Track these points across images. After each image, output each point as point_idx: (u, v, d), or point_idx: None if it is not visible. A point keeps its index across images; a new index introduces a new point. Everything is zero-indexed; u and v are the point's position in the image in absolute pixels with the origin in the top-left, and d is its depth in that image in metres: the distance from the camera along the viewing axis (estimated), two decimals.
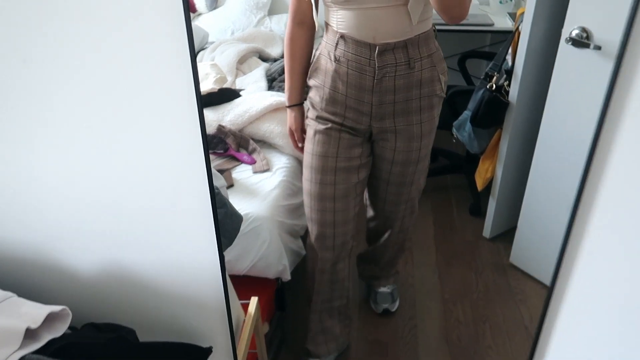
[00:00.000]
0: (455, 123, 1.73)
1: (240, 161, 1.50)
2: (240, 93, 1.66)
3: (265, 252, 1.29)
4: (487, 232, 1.83)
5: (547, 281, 1.56)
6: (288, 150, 1.52)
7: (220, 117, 1.54)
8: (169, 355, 0.66)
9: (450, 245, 1.85)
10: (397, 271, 1.58)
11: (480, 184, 1.74)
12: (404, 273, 1.70)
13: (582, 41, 1.27)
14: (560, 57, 1.37)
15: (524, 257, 1.67)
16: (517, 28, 1.56)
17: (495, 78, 1.62)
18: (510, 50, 1.62)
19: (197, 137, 0.63)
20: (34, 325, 0.57)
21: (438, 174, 2.13)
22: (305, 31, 1.09)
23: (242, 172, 1.44)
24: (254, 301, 1.12)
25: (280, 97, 1.55)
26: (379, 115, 1.06)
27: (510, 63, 1.62)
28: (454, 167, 2.10)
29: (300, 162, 1.41)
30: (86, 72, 0.64)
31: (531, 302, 1.57)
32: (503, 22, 2.06)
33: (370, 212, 1.39)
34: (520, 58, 1.52)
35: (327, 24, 1.05)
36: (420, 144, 1.11)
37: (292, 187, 1.45)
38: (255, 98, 1.59)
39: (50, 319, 0.60)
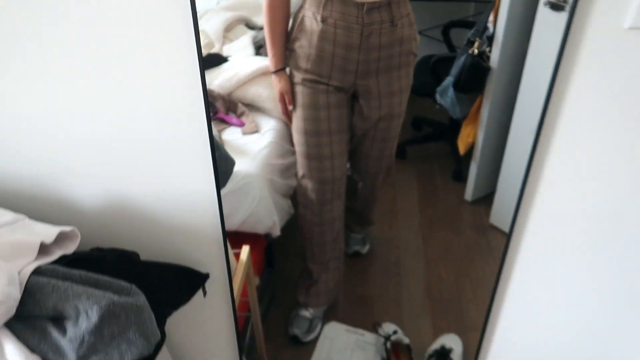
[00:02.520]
0: (438, 89, 1.81)
1: (229, 123, 1.56)
2: (228, 59, 1.71)
3: (256, 208, 1.36)
4: (468, 195, 1.92)
5: None
6: (276, 114, 1.57)
7: (209, 81, 1.59)
8: (169, 275, 0.73)
9: (434, 209, 1.94)
10: (371, 221, 1.68)
11: (462, 149, 1.83)
12: (389, 236, 1.79)
13: (558, 3, 1.35)
14: (539, 21, 1.45)
15: (503, 218, 1.76)
16: None
17: (477, 44, 1.69)
18: (491, 17, 1.69)
19: (196, 74, 0.69)
20: (48, 240, 0.64)
21: (422, 142, 2.21)
22: None
23: (231, 134, 1.50)
24: (245, 249, 1.20)
25: (267, 62, 1.61)
26: (364, 72, 1.14)
27: (492, 29, 1.69)
28: (437, 135, 2.18)
29: (287, 125, 1.48)
30: (92, 23, 0.69)
31: None
32: None
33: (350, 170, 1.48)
34: (500, 23, 1.60)
35: None
36: (400, 98, 1.23)
37: (281, 148, 1.52)
38: (243, 62, 1.64)
39: (61, 238, 0.67)
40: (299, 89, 1.20)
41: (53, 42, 0.71)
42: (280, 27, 1.18)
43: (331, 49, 1.11)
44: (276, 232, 1.42)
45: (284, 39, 1.19)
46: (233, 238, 1.19)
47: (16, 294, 0.57)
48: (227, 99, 1.56)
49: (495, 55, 1.65)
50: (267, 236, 1.44)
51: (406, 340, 1.40)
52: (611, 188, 0.79)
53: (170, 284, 0.72)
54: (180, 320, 0.97)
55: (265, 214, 1.38)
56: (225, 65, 1.61)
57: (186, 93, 0.71)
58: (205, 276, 0.79)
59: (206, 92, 0.72)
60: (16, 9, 0.69)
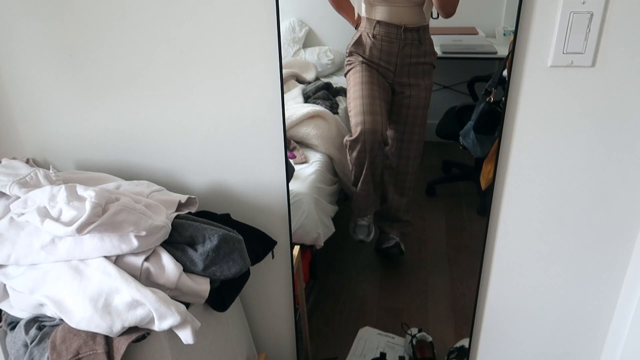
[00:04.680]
0: (461, 132, 2.22)
1: None
2: None
3: (304, 221, 1.76)
4: None
5: None
6: (321, 149, 2.03)
7: None
8: (251, 233, 1.13)
9: (460, 239, 2.28)
10: (407, 222, 2.04)
11: (483, 185, 2.20)
12: (418, 259, 2.14)
13: None
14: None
15: None
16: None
17: (493, 93, 2.11)
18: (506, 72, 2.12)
19: (278, 105, 1.14)
20: (182, 200, 1.06)
21: (451, 181, 2.59)
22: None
23: None
24: (297, 247, 1.60)
25: (315, 107, 2.08)
26: (400, 72, 1.67)
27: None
28: (464, 175, 2.56)
29: (329, 158, 1.93)
30: (198, 56, 1.17)
31: None
32: (505, 51, 2.58)
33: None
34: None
35: (365, 17, 1.65)
36: (425, 94, 1.72)
37: (325, 175, 1.95)
38: (295, 108, 2.12)
39: (187, 202, 1.09)
40: (357, 68, 1.71)
41: (183, 86, 1.19)
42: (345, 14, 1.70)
43: (378, 55, 1.65)
44: (320, 243, 1.81)
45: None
46: None
47: (169, 225, 0.99)
48: None
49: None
50: (312, 249, 1.84)
51: (429, 338, 1.73)
52: (555, 180, 1.20)
53: (252, 239, 1.11)
54: (253, 279, 1.40)
55: (311, 226, 1.79)
56: None
57: (270, 117, 1.16)
58: (275, 242, 1.18)
59: (284, 116, 1.16)
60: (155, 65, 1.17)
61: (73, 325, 0.90)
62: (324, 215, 1.85)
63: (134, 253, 0.96)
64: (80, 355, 0.88)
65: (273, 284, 1.48)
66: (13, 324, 1.00)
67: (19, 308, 0.96)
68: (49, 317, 0.97)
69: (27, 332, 0.94)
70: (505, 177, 1.29)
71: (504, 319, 1.54)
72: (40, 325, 0.95)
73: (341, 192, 1.96)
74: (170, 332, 0.96)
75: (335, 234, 1.86)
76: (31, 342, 0.93)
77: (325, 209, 1.87)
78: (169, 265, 0.96)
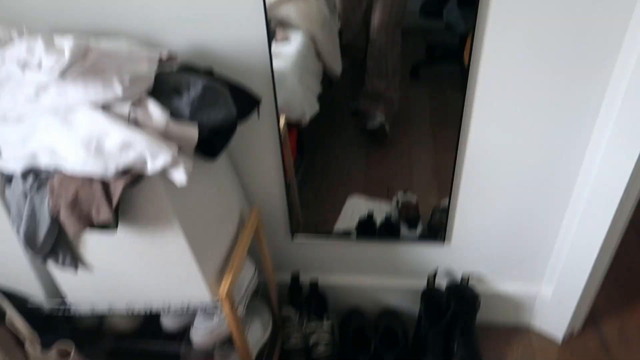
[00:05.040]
0: (445, 9, 2.18)
1: None
2: None
3: (289, 96, 1.78)
4: None
5: None
6: (303, 28, 1.99)
7: None
8: (235, 88, 1.15)
9: (443, 116, 2.31)
10: (391, 98, 2.05)
11: (467, 59, 2.19)
12: (402, 135, 2.18)
13: None
14: None
15: None
16: None
17: None
18: None
19: None
20: (164, 56, 1.06)
21: (435, 63, 2.58)
22: None
23: None
24: (282, 116, 1.62)
25: None
26: None
27: None
28: (448, 56, 2.55)
29: (312, 39, 1.91)
30: None
31: None
32: None
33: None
34: None
35: None
36: None
37: (307, 54, 1.94)
38: None
39: (168, 60, 1.09)
40: None
41: None
42: None
43: None
44: (305, 120, 1.84)
45: None
46: None
47: (152, 75, 1.00)
48: None
49: None
50: (298, 128, 1.86)
51: (414, 198, 1.81)
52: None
53: (236, 94, 1.13)
54: (241, 146, 1.44)
55: (296, 102, 1.80)
56: None
57: None
58: (259, 98, 1.20)
59: None
60: None
61: (68, 169, 0.93)
62: (308, 92, 1.86)
63: (120, 101, 0.97)
64: (79, 196, 0.91)
65: (261, 149, 1.51)
66: (9, 178, 1.03)
67: (13, 158, 0.99)
68: (44, 169, 1.00)
69: (24, 179, 0.97)
70: (483, 38, 1.27)
71: (480, 172, 1.62)
72: (36, 173, 0.98)
73: (326, 78, 1.95)
74: (166, 180, 0.99)
75: (321, 115, 1.88)
76: (30, 190, 0.96)
77: (309, 86, 1.87)
78: (155, 111, 0.98)
